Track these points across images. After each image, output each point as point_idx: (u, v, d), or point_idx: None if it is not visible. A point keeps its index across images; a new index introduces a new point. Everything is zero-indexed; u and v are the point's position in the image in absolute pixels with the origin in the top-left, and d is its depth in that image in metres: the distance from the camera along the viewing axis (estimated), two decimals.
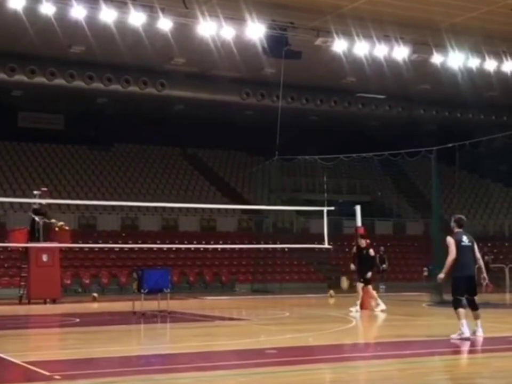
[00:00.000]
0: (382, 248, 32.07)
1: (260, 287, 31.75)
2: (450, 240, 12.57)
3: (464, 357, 11.10)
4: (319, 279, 35.54)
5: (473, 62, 29.85)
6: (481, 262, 12.93)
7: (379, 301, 19.59)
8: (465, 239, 12.63)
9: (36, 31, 27.42)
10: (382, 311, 19.13)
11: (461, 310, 12.32)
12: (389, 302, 24.23)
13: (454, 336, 12.31)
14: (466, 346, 11.89)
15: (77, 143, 40.41)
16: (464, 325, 12.23)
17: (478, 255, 12.78)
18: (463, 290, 12.47)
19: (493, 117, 43.00)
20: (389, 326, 16.07)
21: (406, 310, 21.27)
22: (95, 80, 33.88)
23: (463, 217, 13.06)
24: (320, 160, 35.42)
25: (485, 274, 13.04)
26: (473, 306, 12.63)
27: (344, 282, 28.35)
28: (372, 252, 20.36)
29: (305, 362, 9.96)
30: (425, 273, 32.12)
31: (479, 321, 12.64)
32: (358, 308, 19.35)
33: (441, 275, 12.67)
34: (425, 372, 9.29)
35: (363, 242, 20.13)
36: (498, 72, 30.90)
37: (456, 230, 12.78)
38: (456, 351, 11.49)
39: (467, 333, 12.18)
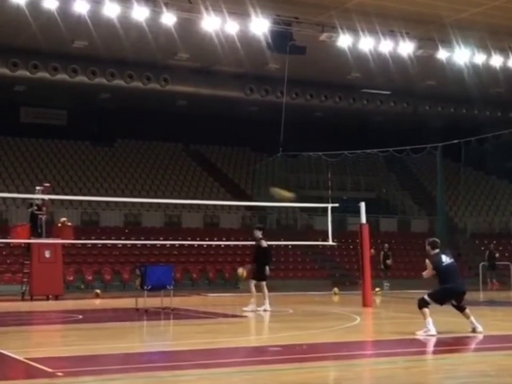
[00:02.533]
0: (386, 245, 32.05)
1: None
2: (427, 263, 12.84)
3: (469, 355, 11.09)
4: (323, 276, 35.52)
5: (479, 58, 29.79)
6: None
7: (267, 301, 18.54)
8: (444, 259, 12.71)
9: (38, 26, 27.42)
10: (265, 310, 18.31)
11: (426, 310, 12.55)
12: (393, 300, 24.28)
13: (419, 332, 12.48)
14: (470, 343, 11.90)
15: (80, 138, 40.43)
16: (430, 323, 12.41)
17: None
18: (443, 302, 12.76)
19: (498, 113, 42.93)
20: (393, 324, 16.07)
21: (410, 307, 21.12)
22: (98, 76, 33.86)
23: (437, 240, 13.20)
24: (324, 157, 35.46)
25: None
26: (460, 309, 12.85)
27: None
28: (264, 243, 18.60)
29: (310, 360, 9.97)
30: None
31: (472, 318, 12.76)
32: (266, 306, 18.42)
33: (425, 273, 12.96)
34: (430, 369, 9.29)
35: (259, 234, 18.68)
36: (505, 68, 30.84)
37: (432, 252, 12.85)
38: (461, 349, 11.49)
39: (433, 331, 12.34)
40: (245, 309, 18.44)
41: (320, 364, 9.76)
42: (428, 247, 12.98)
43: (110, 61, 33.24)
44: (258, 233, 18.77)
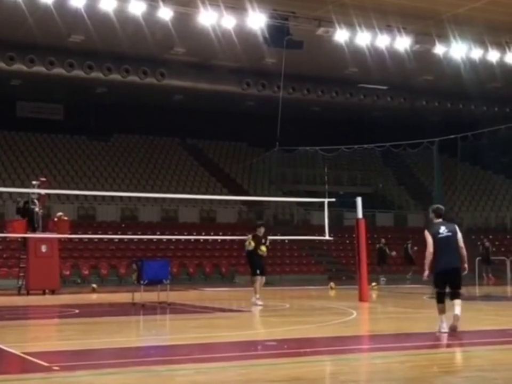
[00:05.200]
0: (382, 240, 32.07)
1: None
2: (426, 234, 12.08)
3: (465, 349, 11.11)
4: (320, 271, 35.59)
5: (476, 53, 29.82)
6: (463, 252, 12.12)
7: (258, 296, 18.60)
8: (442, 230, 12.00)
9: (35, 20, 27.36)
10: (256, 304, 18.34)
11: (440, 306, 12.00)
12: (389, 295, 24.32)
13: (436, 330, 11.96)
14: (467, 339, 11.91)
15: (76, 133, 40.41)
16: (443, 321, 11.93)
17: (461, 243, 12.08)
18: (443, 285, 12.03)
19: (495, 109, 42.96)
20: (390, 319, 16.09)
21: (407, 302, 21.28)
22: (95, 70, 33.82)
23: (440, 206, 12.51)
24: (321, 151, 35.46)
25: (465, 265, 12.16)
26: (453, 295, 12.04)
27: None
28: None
29: (306, 354, 9.98)
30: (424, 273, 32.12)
31: (454, 312, 11.92)
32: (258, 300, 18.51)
33: (425, 273, 12.08)
34: (425, 364, 9.31)
35: (261, 231, 19.09)
36: (502, 63, 30.87)
37: (435, 220, 12.21)
38: (457, 344, 11.51)
39: (445, 328, 11.86)
40: (259, 302, 18.43)
41: (316, 358, 9.77)
42: (431, 215, 12.34)
43: (107, 55, 33.19)
44: (262, 230, 19.14)
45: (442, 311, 12.03)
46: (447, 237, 12.01)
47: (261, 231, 19.18)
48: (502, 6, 26.49)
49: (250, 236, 19.13)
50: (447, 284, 12.07)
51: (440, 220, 12.24)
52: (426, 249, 12.00)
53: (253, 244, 18.83)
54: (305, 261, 36.31)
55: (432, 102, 41.60)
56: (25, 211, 24.24)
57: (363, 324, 15.37)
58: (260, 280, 18.97)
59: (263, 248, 18.89)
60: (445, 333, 11.86)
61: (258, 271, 18.95)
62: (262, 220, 29.20)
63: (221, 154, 44.13)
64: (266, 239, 19.19)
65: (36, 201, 24.20)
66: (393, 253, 31.87)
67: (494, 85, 37.77)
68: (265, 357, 9.91)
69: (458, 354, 10.61)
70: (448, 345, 11.32)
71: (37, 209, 24.13)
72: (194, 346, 11.01)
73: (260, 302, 18.46)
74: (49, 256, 24.20)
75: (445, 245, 11.94)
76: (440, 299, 12.04)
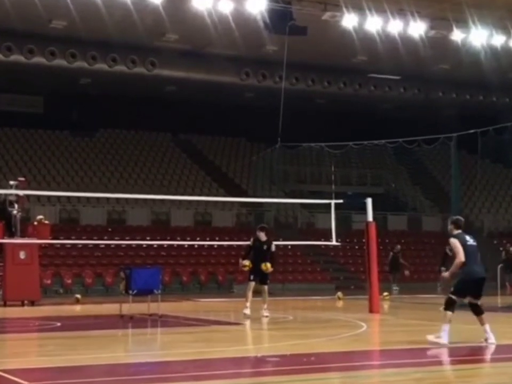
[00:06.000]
0: (398, 246, 31.71)
1: (260, 288, 31.77)
2: (455, 242, 12.66)
3: (485, 365, 11.12)
4: (326, 280, 35.62)
5: (498, 39, 29.84)
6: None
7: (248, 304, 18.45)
8: (469, 239, 12.77)
9: (12, 4, 27.39)
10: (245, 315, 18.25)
11: (449, 314, 12.47)
12: (402, 305, 24.34)
13: (430, 336, 12.53)
14: (486, 353, 11.91)
15: (58, 128, 40.43)
16: (446, 330, 12.35)
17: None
18: (466, 293, 12.62)
19: None
20: (403, 332, 16.11)
21: (422, 314, 21.31)
22: (78, 59, 33.84)
23: (461, 218, 13.26)
24: (327, 148, 35.50)
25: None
26: (477, 311, 12.74)
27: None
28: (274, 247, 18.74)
29: (311, 371, 9.98)
30: (443, 274, 32.01)
31: (487, 326, 12.66)
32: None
33: (447, 274, 13.03)
34: (443, 381, 9.31)
35: (262, 236, 18.62)
36: None
37: (455, 231, 12.89)
38: (476, 359, 11.51)
39: (445, 339, 12.27)
40: (266, 314, 18.29)
41: (323, 376, 9.78)
42: (450, 226, 12.98)
43: (92, 43, 33.22)
44: (262, 234, 18.68)
45: (450, 320, 12.39)
46: (475, 246, 12.79)
47: (262, 235, 18.66)
48: None
49: (247, 249, 18.68)
50: (470, 293, 12.57)
51: (460, 231, 12.87)
52: (457, 257, 12.53)
53: (247, 264, 18.27)
54: (310, 269, 36.34)
55: (449, 94, 41.61)
56: (1, 214, 24.23)
57: (374, 338, 15.38)
58: (258, 288, 18.54)
59: (267, 265, 18.27)
60: (445, 345, 12.13)
61: (252, 276, 18.53)
62: (262, 223, 29.07)
63: (217, 151, 44.16)
64: (270, 246, 18.61)
65: (13, 203, 24.19)
66: (405, 263, 31.68)
67: None
68: (266, 374, 9.92)
69: (479, 370, 10.62)
70: (467, 361, 11.32)
71: (14, 212, 24.12)
72: (188, 362, 11.01)
73: (266, 314, 18.29)
74: (28, 263, 24.18)
75: (474, 254, 12.67)
76: (453, 307, 12.44)
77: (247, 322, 17.70)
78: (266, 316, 18.28)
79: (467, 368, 10.76)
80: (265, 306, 18.54)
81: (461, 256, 12.48)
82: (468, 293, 12.60)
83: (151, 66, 35.29)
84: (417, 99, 41.29)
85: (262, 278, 18.70)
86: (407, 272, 30.93)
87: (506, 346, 12.74)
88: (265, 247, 18.60)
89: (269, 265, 18.34)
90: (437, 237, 38.07)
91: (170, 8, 26.91)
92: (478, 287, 12.63)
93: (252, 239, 18.85)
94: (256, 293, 18.90)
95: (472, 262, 12.54)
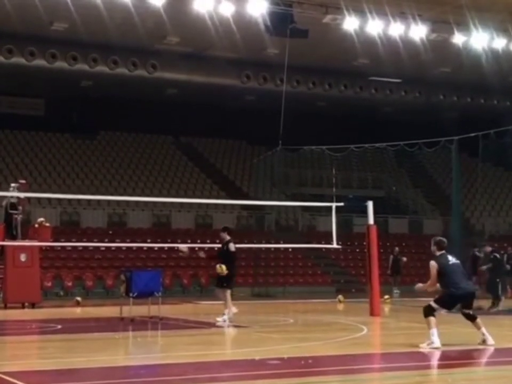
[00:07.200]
0: (396, 249, 31.92)
1: (261, 291, 31.78)
2: (433, 266, 12.93)
3: (486, 369, 11.11)
4: (327, 283, 35.56)
5: (499, 43, 29.83)
6: None
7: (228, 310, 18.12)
8: (451, 258, 13.04)
9: (13, 6, 27.39)
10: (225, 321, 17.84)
11: (432, 319, 12.69)
12: (403, 309, 24.30)
13: (423, 345, 12.62)
14: (486, 356, 11.90)
15: (59, 130, 40.38)
16: (435, 334, 12.52)
17: None
18: (452, 306, 13.03)
19: None
20: (404, 335, 16.10)
21: (422, 317, 21.24)
22: (79, 61, 33.85)
23: (443, 239, 13.44)
24: (328, 151, 35.44)
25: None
26: (471, 318, 12.98)
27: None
28: (232, 246, 18.32)
29: (311, 374, 9.98)
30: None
31: (484, 329, 12.86)
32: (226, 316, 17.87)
33: (420, 285, 13.48)
34: None
35: (225, 236, 18.51)
36: None
37: (438, 253, 13.09)
38: (478, 362, 11.51)
39: (437, 343, 12.44)
40: (223, 318, 17.83)
41: (323, 379, 9.78)
42: (433, 247, 13.19)
43: (93, 45, 33.23)
44: (225, 235, 18.50)
45: (436, 324, 12.67)
46: (457, 264, 13.08)
47: (225, 236, 18.41)
48: None
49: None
50: (461, 305, 12.98)
51: (443, 251, 13.12)
52: (430, 281, 12.99)
53: (224, 267, 17.80)
54: (310, 272, 36.28)
55: (450, 97, 41.61)
56: (6, 217, 24.24)
57: (375, 341, 15.38)
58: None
59: (222, 266, 17.79)
60: (437, 348, 12.27)
61: (225, 283, 18.08)
62: (263, 225, 29.08)
63: (218, 154, 44.14)
64: (228, 247, 18.22)
65: (15, 205, 24.20)
66: (404, 259, 31.81)
67: None
68: (266, 377, 9.91)
69: (479, 373, 10.61)
70: (467, 364, 11.32)
71: (15, 214, 24.13)
72: (189, 365, 11.01)
73: (218, 318, 17.84)
74: (29, 266, 24.18)
75: (458, 271, 12.97)
76: (433, 313, 12.76)
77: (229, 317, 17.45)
78: (218, 321, 17.73)
79: (467, 371, 10.76)
80: (227, 311, 17.97)
81: (432, 281, 12.88)
82: (456, 305, 12.98)
83: (152, 68, 35.30)
84: (418, 102, 41.28)
85: (217, 280, 18.39)
86: (404, 259, 31.35)
87: (506, 349, 12.73)
88: (225, 247, 18.34)
89: (224, 267, 17.85)
90: None
91: (171, 11, 26.91)
92: (467, 300, 12.91)
93: (234, 246, 18.44)
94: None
95: (458, 279, 12.80)
